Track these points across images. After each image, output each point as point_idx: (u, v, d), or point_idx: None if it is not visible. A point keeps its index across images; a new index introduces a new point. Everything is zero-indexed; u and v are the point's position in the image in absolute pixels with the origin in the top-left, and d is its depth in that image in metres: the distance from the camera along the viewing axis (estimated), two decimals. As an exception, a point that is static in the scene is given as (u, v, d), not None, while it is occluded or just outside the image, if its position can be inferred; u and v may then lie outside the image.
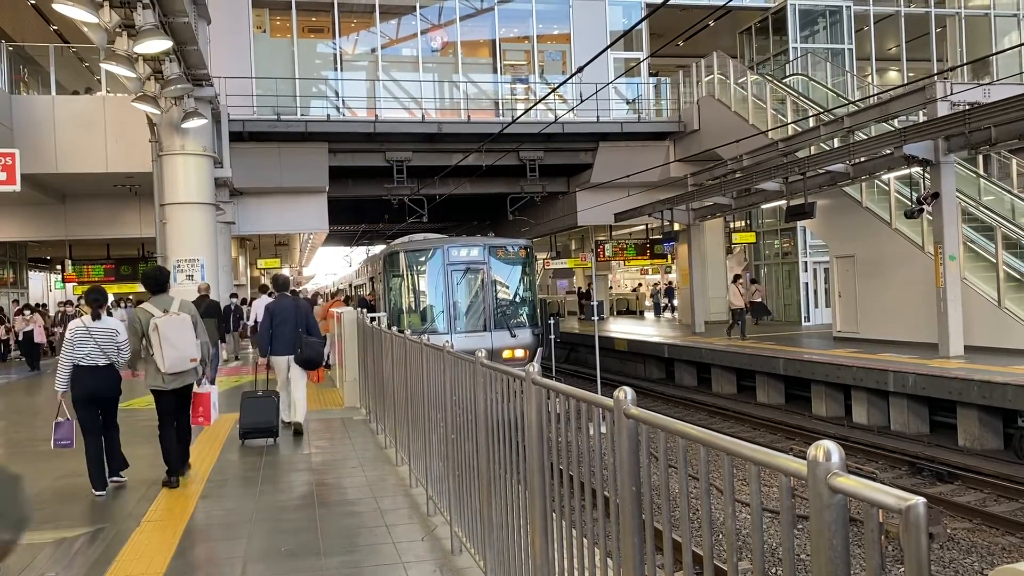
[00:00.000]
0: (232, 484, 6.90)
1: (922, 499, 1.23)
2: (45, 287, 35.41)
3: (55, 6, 10.06)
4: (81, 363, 6.42)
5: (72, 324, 6.62)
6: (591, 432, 2.79)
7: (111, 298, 23.31)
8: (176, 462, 6.74)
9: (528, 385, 3.27)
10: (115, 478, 6.75)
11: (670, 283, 36.85)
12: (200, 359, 6.64)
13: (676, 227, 21.97)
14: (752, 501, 1.73)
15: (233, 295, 19.81)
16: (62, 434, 6.50)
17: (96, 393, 6.50)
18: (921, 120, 14.57)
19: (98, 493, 6.47)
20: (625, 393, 2.35)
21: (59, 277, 26.09)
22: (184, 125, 15.37)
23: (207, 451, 8.23)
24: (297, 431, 8.91)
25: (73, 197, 20.39)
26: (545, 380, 3.20)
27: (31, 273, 30.89)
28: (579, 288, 36.12)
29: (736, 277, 18.81)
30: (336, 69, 23.24)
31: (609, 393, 2.51)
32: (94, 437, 6.52)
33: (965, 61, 25.02)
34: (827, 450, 1.42)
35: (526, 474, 3.37)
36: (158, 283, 6.78)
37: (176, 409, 6.74)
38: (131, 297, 26.91)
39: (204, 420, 7.07)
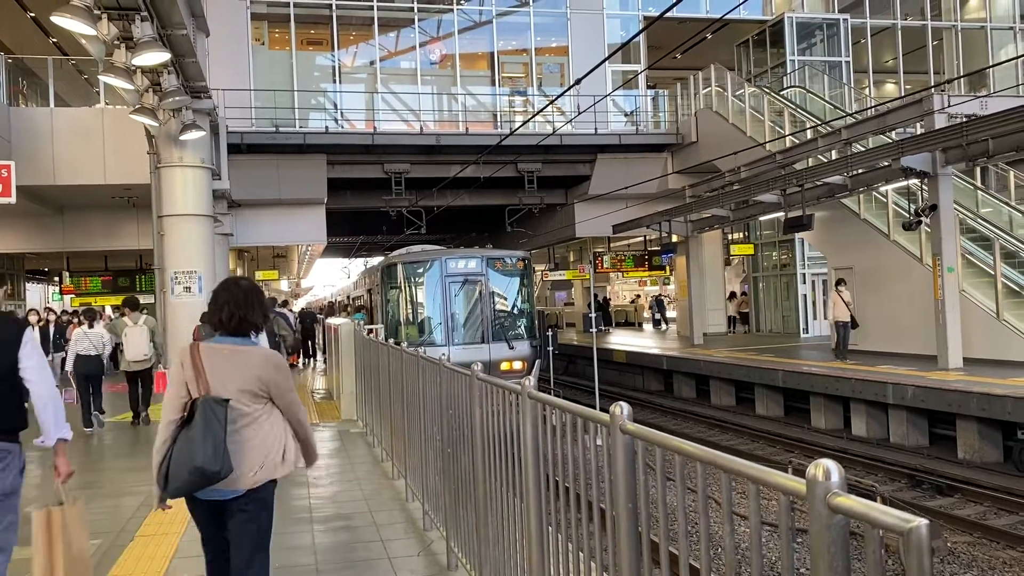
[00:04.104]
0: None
1: (924, 521, 1.20)
2: (42, 299, 35.33)
3: (53, 18, 10.06)
4: (81, 353, 10.58)
5: (76, 330, 11.06)
6: (588, 446, 2.76)
7: (108, 309, 23.46)
8: (137, 409, 10.99)
9: (524, 399, 3.24)
10: (96, 412, 10.69)
11: (658, 296, 36.72)
12: (151, 354, 10.82)
13: (674, 239, 21.97)
14: (751, 520, 1.70)
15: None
16: (67, 397, 9.61)
17: (88, 371, 10.65)
18: (918, 132, 14.59)
19: (87, 429, 10.43)
20: (621, 408, 2.32)
21: (56, 289, 26.04)
22: (182, 137, 15.36)
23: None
24: None
25: (71, 209, 20.36)
26: (541, 394, 3.16)
27: (29, 285, 30.82)
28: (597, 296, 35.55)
29: (839, 282, 15.44)
30: (335, 81, 23.28)
31: (608, 406, 2.47)
32: (84, 395, 10.61)
33: (962, 73, 25.11)
34: (827, 469, 1.39)
35: (522, 488, 3.33)
36: (134, 306, 11.02)
37: (138, 381, 10.94)
38: (122, 310, 26.83)
39: (160, 389, 11.33)
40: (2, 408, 3.33)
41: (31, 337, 3.49)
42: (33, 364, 3.42)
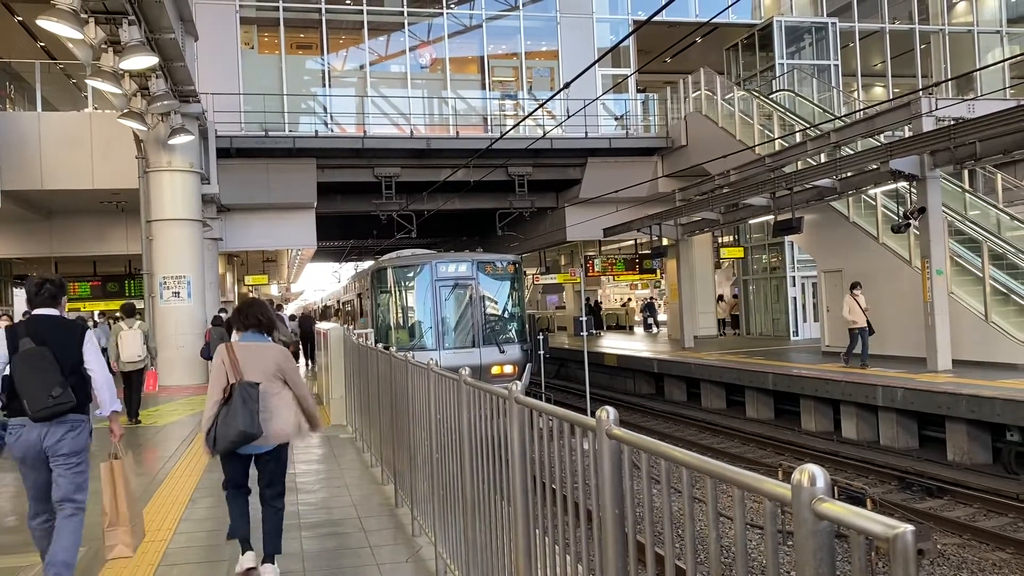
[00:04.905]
0: (214, 504, 6.79)
1: (910, 527, 1.18)
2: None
3: (40, 22, 10.01)
4: None
5: None
6: (575, 450, 2.74)
7: (95, 314, 23.34)
8: (129, 408, 11.11)
9: (511, 404, 3.22)
10: None
11: (649, 299, 36.75)
12: (144, 356, 11.26)
13: (664, 242, 22.00)
14: (736, 525, 1.68)
15: (223, 310, 19.69)
16: None
17: None
18: (907, 135, 14.66)
19: None
20: (607, 413, 2.30)
21: (45, 294, 25.91)
22: (171, 141, 15.31)
23: (192, 471, 8.12)
24: None
25: (59, 214, 20.25)
26: (528, 399, 3.15)
27: (16, 290, 30.58)
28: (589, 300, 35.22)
29: (855, 285, 14.36)
30: (324, 85, 23.24)
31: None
32: None
33: (949, 77, 25.26)
34: (812, 475, 1.37)
35: (510, 492, 3.31)
36: (130, 312, 11.61)
37: (134, 382, 11.39)
38: (118, 314, 26.69)
39: (150, 387, 13.56)
40: (76, 390, 4.33)
41: (91, 337, 4.54)
42: (93, 357, 4.46)
